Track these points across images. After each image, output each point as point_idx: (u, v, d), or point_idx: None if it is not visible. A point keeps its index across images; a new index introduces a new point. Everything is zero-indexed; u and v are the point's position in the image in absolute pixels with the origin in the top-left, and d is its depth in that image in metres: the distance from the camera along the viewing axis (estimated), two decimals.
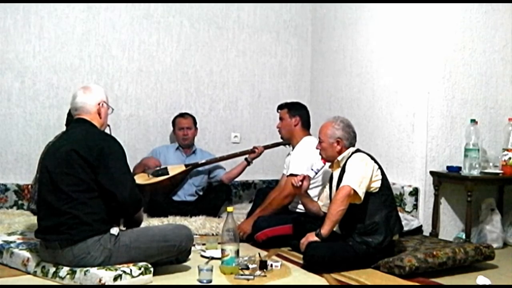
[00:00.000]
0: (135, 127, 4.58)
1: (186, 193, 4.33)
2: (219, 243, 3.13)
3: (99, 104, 2.76)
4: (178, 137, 4.44)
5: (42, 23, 4.24)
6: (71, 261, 2.55)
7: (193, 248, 2.97)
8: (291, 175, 3.53)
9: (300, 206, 3.52)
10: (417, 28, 3.91)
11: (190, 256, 2.92)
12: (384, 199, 3.03)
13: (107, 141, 2.64)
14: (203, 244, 3.35)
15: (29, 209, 3.98)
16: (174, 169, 4.21)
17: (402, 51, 4.04)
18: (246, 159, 4.34)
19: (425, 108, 3.84)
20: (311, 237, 2.95)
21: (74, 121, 2.78)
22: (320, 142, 3.21)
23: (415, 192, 3.85)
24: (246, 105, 5.00)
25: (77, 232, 2.52)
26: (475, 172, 3.65)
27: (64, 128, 3.40)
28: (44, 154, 3.14)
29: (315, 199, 3.44)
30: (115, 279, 2.47)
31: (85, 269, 2.51)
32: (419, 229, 3.75)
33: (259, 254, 3.14)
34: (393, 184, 3.67)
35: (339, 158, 3.13)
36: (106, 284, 2.44)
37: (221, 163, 4.47)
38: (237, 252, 2.82)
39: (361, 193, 2.93)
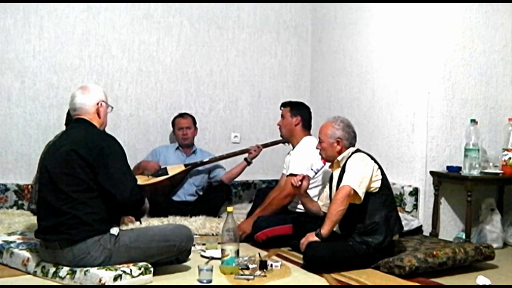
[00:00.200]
0: (135, 127, 4.58)
1: (186, 193, 4.33)
2: (219, 243, 3.13)
3: (97, 104, 2.76)
4: (177, 137, 4.44)
5: (42, 23, 4.24)
6: (71, 261, 2.55)
7: (193, 248, 2.96)
8: (291, 175, 3.52)
9: (300, 206, 3.51)
10: (417, 28, 3.91)
11: (190, 256, 2.91)
12: (384, 199, 3.03)
13: (107, 141, 2.64)
14: (203, 244, 3.35)
15: (29, 209, 3.98)
16: (174, 169, 4.21)
17: (402, 51, 4.04)
18: (245, 159, 4.34)
19: (425, 108, 3.84)
20: (311, 237, 2.95)
21: (73, 121, 2.78)
22: (320, 142, 3.20)
23: (415, 192, 3.85)
24: (246, 105, 5.00)
25: (77, 232, 2.52)
26: (475, 172, 3.65)
27: (64, 128, 3.40)
28: (44, 154, 3.14)
29: (315, 199, 3.44)
30: (115, 279, 2.47)
31: (85, 269, 2.51)
32: (419, 229, 3.75)
33: (259, 254, 3.14)
34: (393, 184, 3.67)
35: (339, 158, 3.13)
36: (106, 284, 2.44)
37: (221, 163, 4.48)
38: (237, 252, 2.81)
39: (361, 193, 2.93)
